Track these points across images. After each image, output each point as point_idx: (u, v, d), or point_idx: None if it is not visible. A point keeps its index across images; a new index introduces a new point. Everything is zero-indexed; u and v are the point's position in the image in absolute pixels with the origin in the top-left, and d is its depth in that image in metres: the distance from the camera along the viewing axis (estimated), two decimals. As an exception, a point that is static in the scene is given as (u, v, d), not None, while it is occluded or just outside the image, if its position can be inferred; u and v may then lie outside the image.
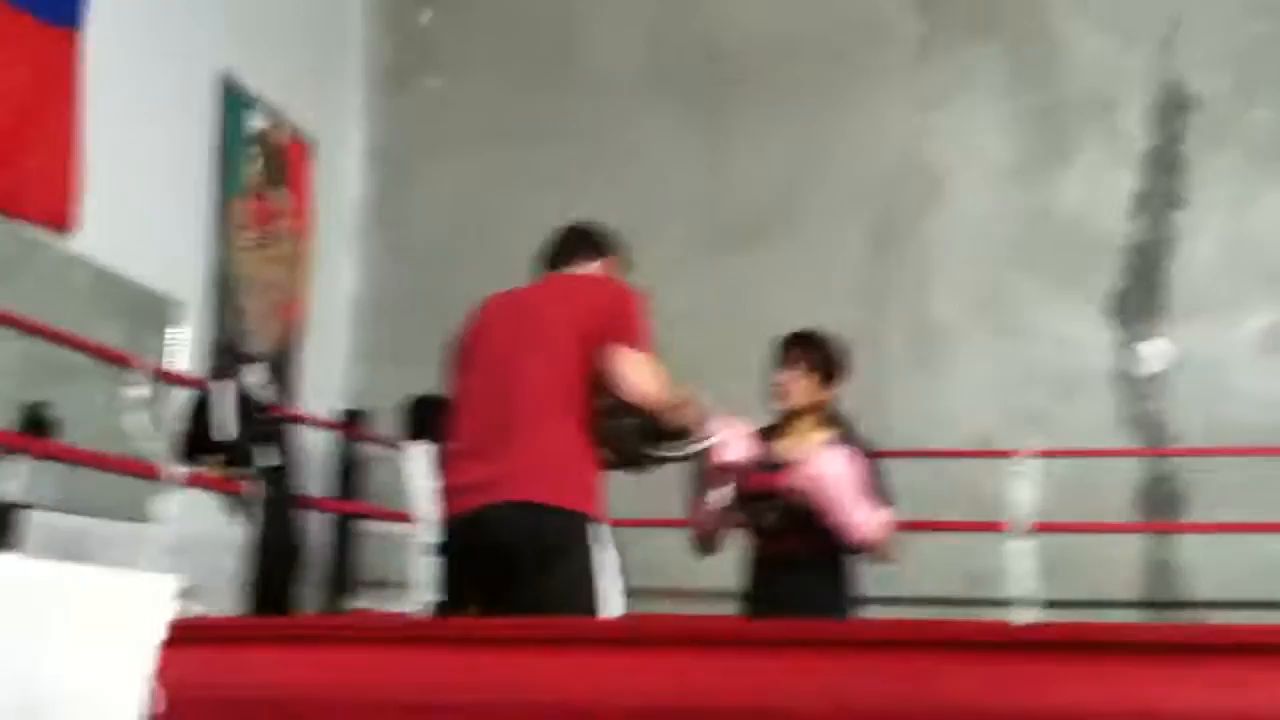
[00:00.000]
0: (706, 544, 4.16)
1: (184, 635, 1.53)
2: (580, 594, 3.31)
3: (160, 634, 1.52)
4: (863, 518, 3.82)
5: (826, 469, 3.81)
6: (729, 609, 4.27)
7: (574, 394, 3.42)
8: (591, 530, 3.37)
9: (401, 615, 5.45)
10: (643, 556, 4.60)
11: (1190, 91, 6.38)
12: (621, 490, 3.61)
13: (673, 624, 1.66)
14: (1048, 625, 1.54)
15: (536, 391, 3.42)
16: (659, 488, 4.16)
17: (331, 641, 1.69)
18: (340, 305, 7.06)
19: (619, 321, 3.42)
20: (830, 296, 6.34)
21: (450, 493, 3.52)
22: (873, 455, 4.04)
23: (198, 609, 1.60)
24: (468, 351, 3.63)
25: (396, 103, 7.30)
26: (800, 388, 4.05)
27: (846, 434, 4.09)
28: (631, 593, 3.46)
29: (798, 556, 3.97)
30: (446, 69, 7.27)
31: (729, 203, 6.76)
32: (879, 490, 3.94)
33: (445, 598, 3.56)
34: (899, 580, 5.81)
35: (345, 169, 7.17)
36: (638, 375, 3.35)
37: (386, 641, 1.69)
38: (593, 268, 3.70)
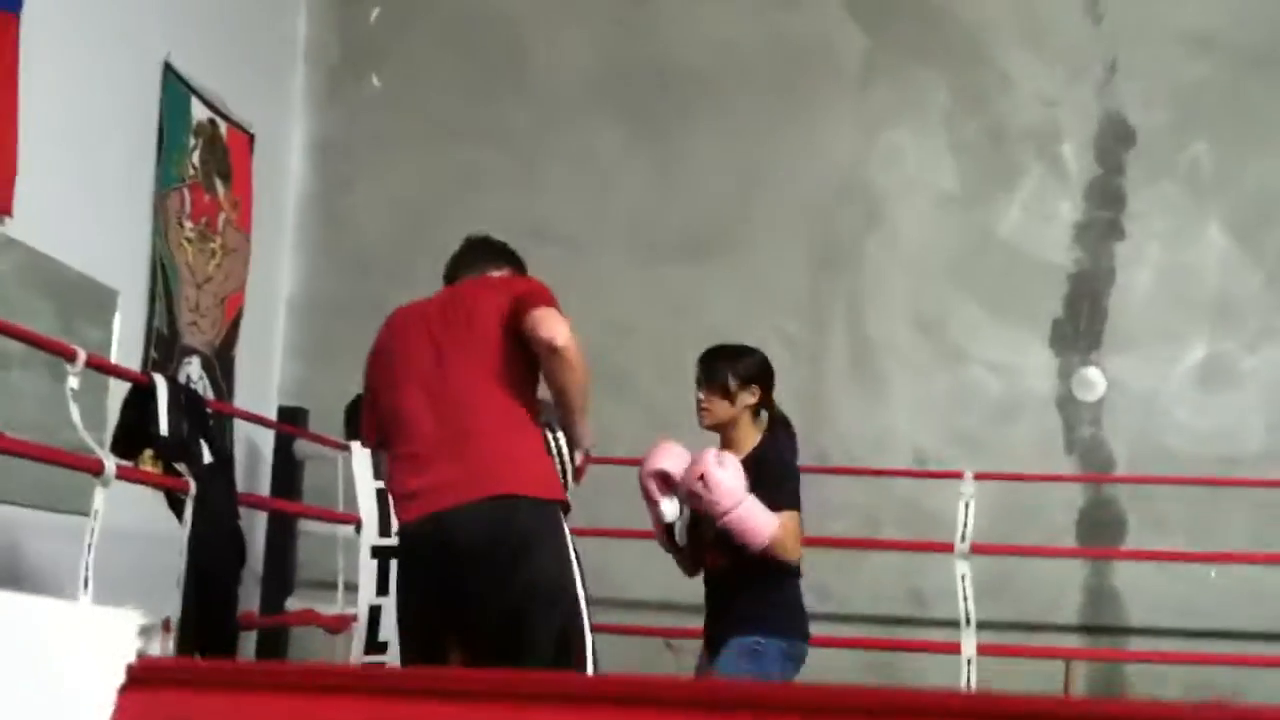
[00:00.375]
0: (681, 560, 4.07)
1: (142, 677, 1.30)
2: (561, 585, 3.25)
3: (119, 676, 1.30)
4: (746, 513, 3.70)
5: (710, 472, 3.71)
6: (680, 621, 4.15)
7: (518, 390, 3.39)
8: (563, 519, 3.33)
9: (342, 617, 5.21)
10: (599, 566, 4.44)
11: (1131, 125, 6.28)
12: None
13: (655, 682, 1.45)
14: (1058, 700, 1.34)
15: (486, 393, 3.36)
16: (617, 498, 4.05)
17: (302, 690, 1.46)
18: (277, 302, 6.74)
19: (529, 297, 3.38)
20: (772, 313, 6.21)
21: (406, 498, 3.42)
22: (783, 457, 3.96)
23: (155, 648, 1.37)
24: (395, 361, 3.51)
25: (341, 99, 6.90)
26: (715, 405, 3.94)
27: (771, 437, 3.99)
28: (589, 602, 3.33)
29: (730, 571, 3.87)
30: (394, 68, 6.91)
31: (674, 216, 6.53)
32: (781, 491, 3.82)
33: (404, 605, 3.43)
34: (840, 596, 5.70)
35: (287, 164, 6.84)
36: (551, 322, 3.28)
37: (357, 691, 1.45)
38: (500, 274, 3.65)
